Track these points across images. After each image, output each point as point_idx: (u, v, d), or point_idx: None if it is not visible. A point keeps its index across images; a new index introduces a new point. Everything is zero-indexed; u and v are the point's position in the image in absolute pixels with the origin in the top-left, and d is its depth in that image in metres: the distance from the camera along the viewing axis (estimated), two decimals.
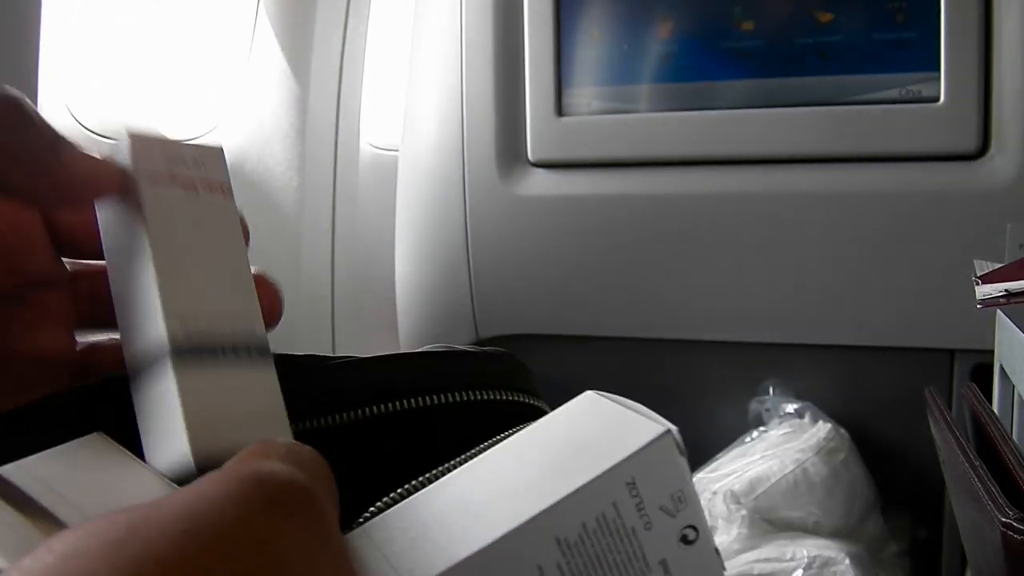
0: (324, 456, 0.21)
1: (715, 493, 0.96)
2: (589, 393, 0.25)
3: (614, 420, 0.23)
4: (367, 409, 0.28)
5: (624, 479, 0.21)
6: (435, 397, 0.30)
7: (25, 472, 0.22)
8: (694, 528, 0.22)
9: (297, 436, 0.26)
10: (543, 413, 0.30)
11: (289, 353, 0.30)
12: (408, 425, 0.29)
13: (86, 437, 0.23)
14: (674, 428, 0.22)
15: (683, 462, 0.22)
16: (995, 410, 0.78)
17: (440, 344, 0.32)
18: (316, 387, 0.29)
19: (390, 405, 0.28)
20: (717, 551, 0.22)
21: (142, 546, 0.16)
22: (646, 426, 0.22)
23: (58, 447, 0.23)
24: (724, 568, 0.22)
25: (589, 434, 0.22)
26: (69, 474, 0.21)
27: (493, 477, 0.22)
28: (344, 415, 0.28)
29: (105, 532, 0.16)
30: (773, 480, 0.94)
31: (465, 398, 0.30)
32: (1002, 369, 0.78)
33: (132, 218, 0.24)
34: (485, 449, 0.25)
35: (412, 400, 0.29)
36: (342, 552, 0.19)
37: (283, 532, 0.18)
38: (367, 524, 0.23)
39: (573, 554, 0.20)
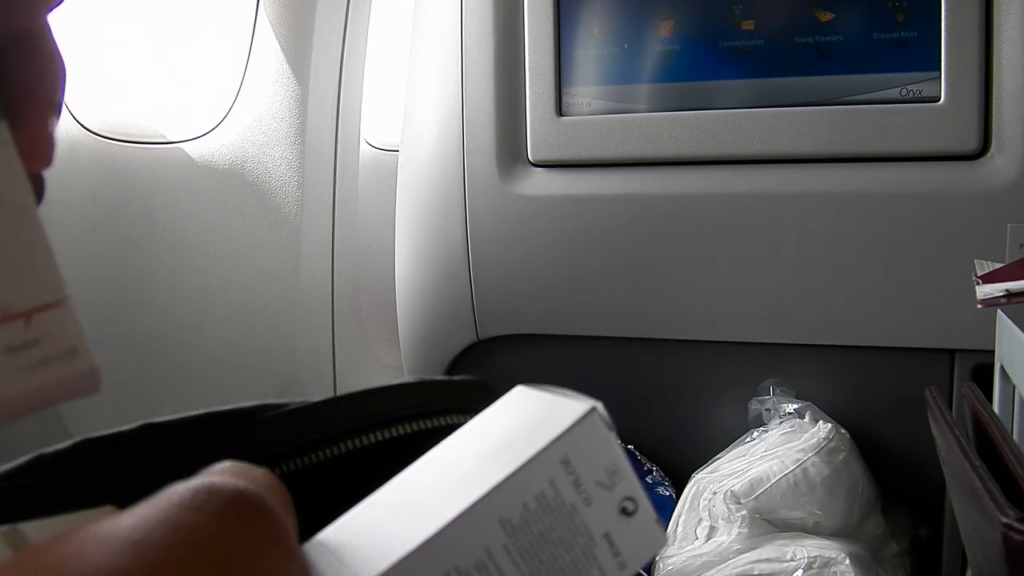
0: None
1: (715, 493, 0.96)
2: (519, 388, 0.26)
3: (544, 407, 0.23)
4: (306, 458, 0.29)
5: (558, 458, 0.22)
6: (375, 435, 0.30)
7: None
8: (632, 500, 0.23)
9: None
10: None
11: (234, 407, 0.30)
12: (349, 466, 0.30)
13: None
14: (599, 405, 0.23)
15: (613, 437, 0.23)
16: (995, 410, 0.78)
17: (413, 376, 0.33)
18: (256, 440, 0.29)
19: (330, 450, 0.29)
20: (658, 521, 0.23)
21: (98, 558, 0.17)
22: (573, 407, 0.23)
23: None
24: (666, 538, 0.23)
25: (522, 423, 0.23)
26: None
27: (436, 473, 0.23)
28: (284, 465, 0.28)
29: (59, 552, 0.17)
30: (773, 480, 0.94)
31: (407, 430, 0.31)
32: (1002, 369, 0.78)
33: None
34: None
35: (349, 442, 0.30)
36: (296, 558, 0.20)
37: (235, 537, 0.18)
38: (320, 534, 0.23)
39: (518, 534, 0.21)
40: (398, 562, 0.20)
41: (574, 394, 0.24)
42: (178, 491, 0.19)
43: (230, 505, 0.19)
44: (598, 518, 0.22)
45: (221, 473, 0.21)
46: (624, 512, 0.22)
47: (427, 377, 0.33)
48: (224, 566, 0.18)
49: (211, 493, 0.19)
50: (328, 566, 0.22)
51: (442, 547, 0.20)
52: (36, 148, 0.27)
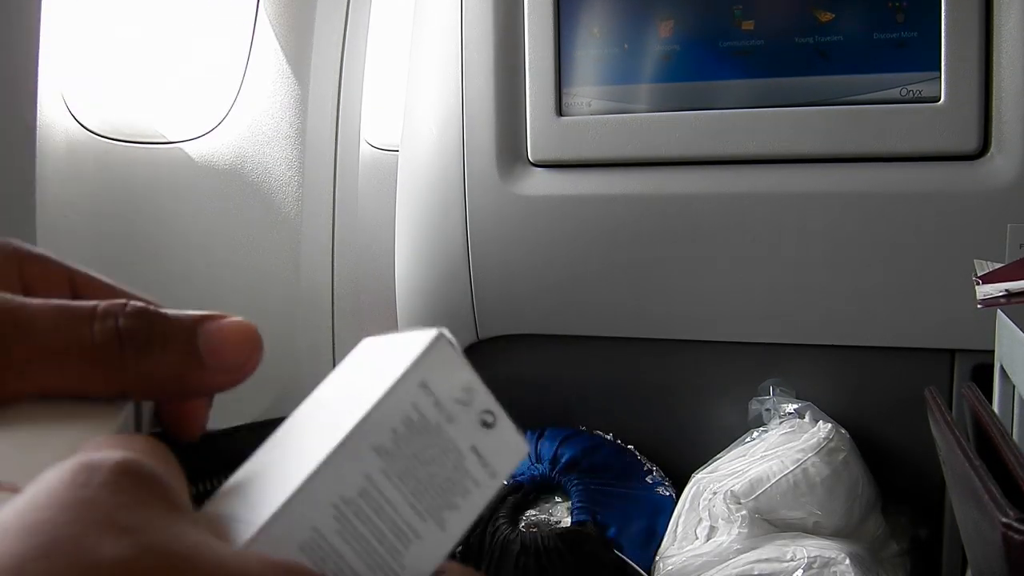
0: None
1: (715, 493, 0.96)
2: (365, 339, 0.28)
3: (394, 345, 0.25)
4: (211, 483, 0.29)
5: (416, 382, 0.23)
6: None
7: None
8: (490, 412, 0.25)
9: None
10: None
11: None
12: None
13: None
14: (444, 330, 0.24)
15: (462, 358, 0.24)
16: (995, 410, 0.78)
17: None
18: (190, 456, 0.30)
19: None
20: (518, 429, 0.25)
21: None
22: (421, 336, 0.24)
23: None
24: (527, 445, 0.25)
25: (378, 362, 0.25)
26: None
27: (311, 419, 0.25)
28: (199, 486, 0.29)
29: None
30: (773, 480, 0.94)
31: None
32: (1002, 369, 0.78)
33: None
34: None
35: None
36: (185, 514, 0.20)
37: (123, 506, 0.19)
38: (212, 499, 0.25)
39: (393, 458, 0.23)
40: (287, 502, 0.22)
41: (419, 330, 0.25)
42: (60, 471, 0.19)
43: (113, 476, 0.19)
44: (462, 433, 0.24)
45: (98, 447, 0.21)
46: (485, 424, 0.25)
47: None
48: (117, 534, 0.18)
49: (92, 469, 0.19)
50: (224, 522, 0.23)
51: (325, 481, 0.22)
52: (186, 423, 0.29)
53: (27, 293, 0.28)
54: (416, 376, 0.23)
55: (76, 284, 0.29)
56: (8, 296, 0.26)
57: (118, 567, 0.17)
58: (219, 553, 0.19)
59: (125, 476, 0.20)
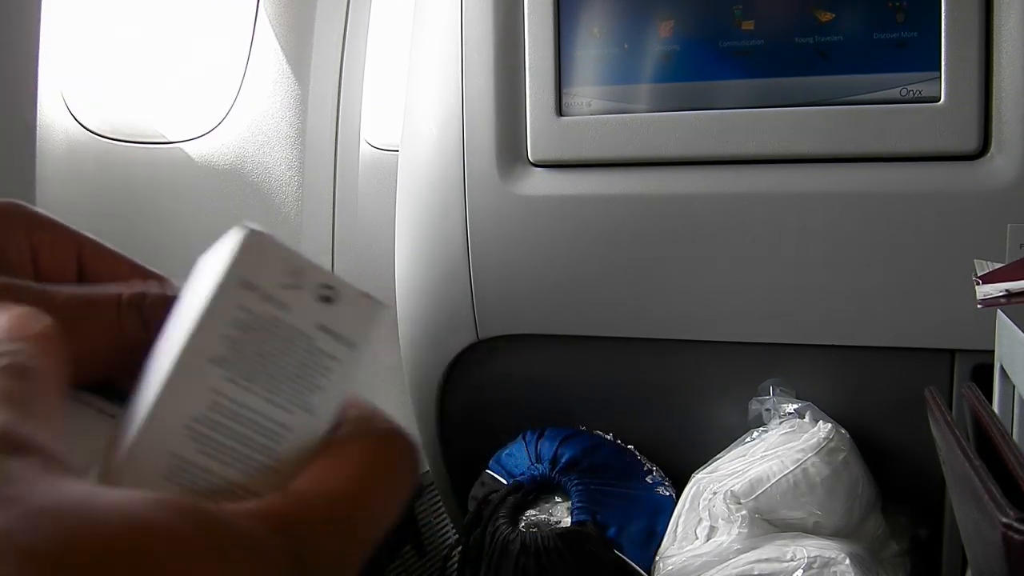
0: None
1: (715, 493, 0.96)
2: (200, 257, 0.27)
3: (216, 253, 0.24)
4: None
5: (235, 284, 0.23)
6: None
7: None
8: (327, 286, 0.24)
9: None
10: None
11: None
12: None
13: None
14: (254, 224, 0.24)
15: (277, 242, 0.24)
16: (995, 410, 0.78)
17: None
18: None
19: None
20: (365, 293, 0.24)
21: None
22: (232, 236, 0.24)
23: None
24: (382, 304, 0.24)
25: (202, 276, 0.24)
26: None
27: (161, 349, 0.24)
28: None
29: None
30: (773, 480, 0.94)
31: None
32: (1002, 369, 0.78)
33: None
34: None
35: None
36: (62, 469, 0.20)
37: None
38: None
39: (235, 364, 0.22)
40: (136, 439, 0.22)
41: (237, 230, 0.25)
42: None
43: None
44: (303, 316, 0.23)
45: None
46: (326, 300, 0.23)
47: None
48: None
49: None
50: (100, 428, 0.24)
51: (168, 408, 0.22)
52: None
53: (35, 258, 0.27)
54: (234, 277, 0.23)
55: (84, 252, 0.29)
56: (29, 284, 0.25)
57: (10, 537, 0.17)
58: (109, 499, 0.19)
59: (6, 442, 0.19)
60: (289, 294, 0.23)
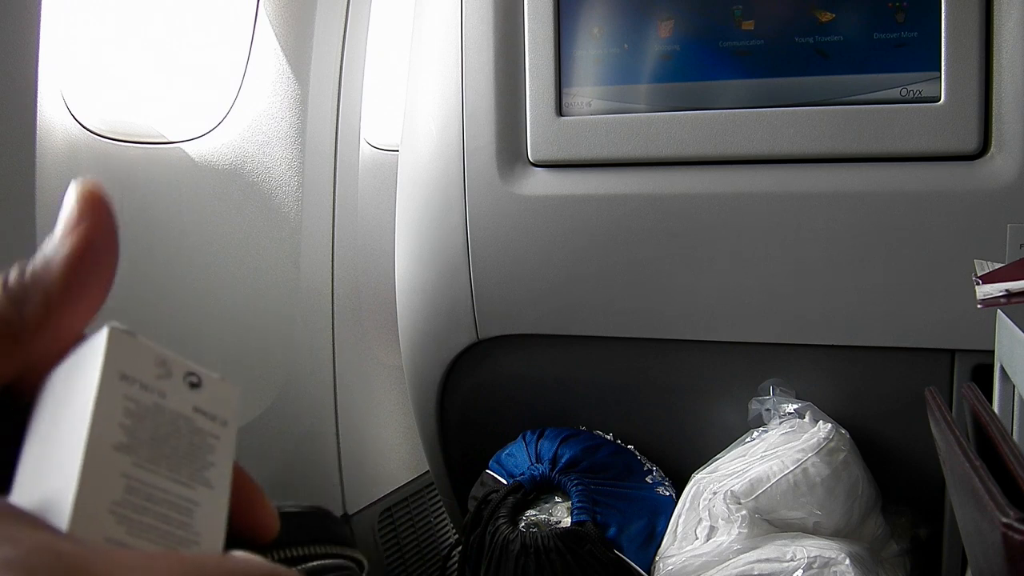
0: None
1: (715, 493, 0.96)
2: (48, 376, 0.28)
3: (74, 362, 0.25)
4: None
5: (116, 376, 0.24)
6: None
7: None
8: (192, 374, 0.26)
9: None
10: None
11: None
12: None
13: None
14: (113, 323, 0.25)
15: (140, 338, 0.25)
16: (995, 410, 0.78)
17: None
18: None
19: None
20: (221, 377, 0.26)
21: None
22: (95, 338, 0.25)
23: None
24: (238, 388, 0.27)
25: (68, 379, 0.25)
26: None
27: (37, 462, 0.25)
28: None
29: None
30: (773, 480, 0.94)
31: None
32: (1002, 369, 0.78)
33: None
34: None
35: None
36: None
37: None
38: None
39: (135, 448, 0.24)
40: (70, 525, 0.22)
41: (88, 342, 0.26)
42: None
43: None
44: (179, 401, 0.25)
45: None
46: (193, 385, 0.26)
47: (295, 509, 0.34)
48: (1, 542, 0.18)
49: None
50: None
51: (90, 494, 0.23)
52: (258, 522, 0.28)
53: None
54: (113, 371, 0.24)
55: None
56: None
57: (10, 564, 0.18)
58: (101, 549, 0.20)
59: None
60: (163, 383, 0.25)
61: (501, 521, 1.03)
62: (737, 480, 0.95)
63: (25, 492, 0.24)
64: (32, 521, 0.21)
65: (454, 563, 1.11)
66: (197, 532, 0.24)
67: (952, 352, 1.00)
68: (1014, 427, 0.76)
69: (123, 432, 0.24)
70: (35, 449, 0.25)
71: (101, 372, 0.24)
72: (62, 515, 0.22)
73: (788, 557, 0.89)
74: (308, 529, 0.36)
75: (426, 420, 1.22)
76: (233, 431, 0.26)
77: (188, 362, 0.26)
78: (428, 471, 1.31)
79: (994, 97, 0.95)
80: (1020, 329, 0.71)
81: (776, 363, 1.08)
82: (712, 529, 0.96)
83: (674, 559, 0.96)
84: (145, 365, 0.25)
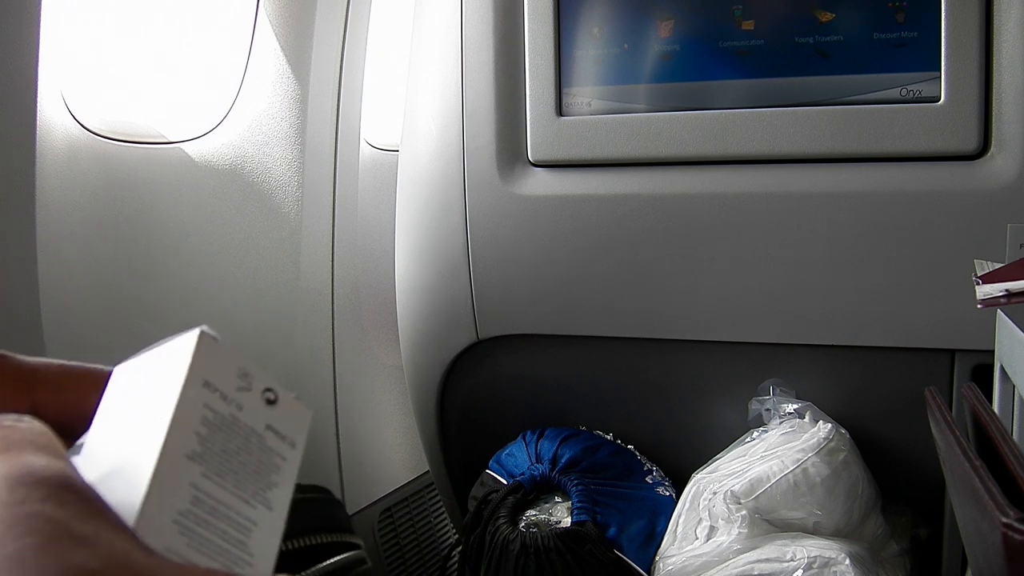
0: None
1: (715, 493, 0.96)
2: (117, 368, 0.28)
3: (156, 360, 0.25)
4: None
5: (198, 382, 0.24)
6: None
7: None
8: (270, 390, 0.25)
9: None
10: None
11: None
12: None
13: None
14: (203, 327, 0.25)
15: (227, 347, 0.25)
16: (995, 410, 0.78)
17: None
18: None
19: None
20: (297, 397, 0.26)
21: None
22: (184, 339, 0.25)
23: None
24: (310, 412, 0.26)
25: (149, 381, 0.25)
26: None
27: (106, 455, 0.24)
28: None
29: None
30: (774, 480, 0.94)
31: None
32: (1002, 369, 0.78)
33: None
34: None
35: None
36: (118, 523, 0.21)
37: (67, 514, 0.19)
38: None
39: (207, 459, 0.23)
40: (135, 530, 0.22)
41: (169, 340, 0.26)
42: None
43: (54, 491, 0.20)
44: (254, 416, 0.25)
45: (12, 451, 0.21)
46: (269, 402, 0.25)
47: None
48: (77, 544, 0.18)
49: (29, 486, 0.19)
50: None
51: (158, 502, 0.22)
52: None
53: None
54: (197, 377, 0.24)
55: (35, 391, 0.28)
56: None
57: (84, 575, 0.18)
58: (171, 566, 0.20)
59: (65, 490, 0.20)
60: (242, 395, 0.25)
61: (501, 521, 1.03)
62: (737, 480, 0.95)
63: (90, 473, 0.23)
64: (110, 519, 0.20)
65: (454, 563, 1.11)
66: (251, 553, 0.24)
67: (952, 352, 1.00)
68: (1014, 427, 0.76)
69: (198, 441, 0.23)
70: (105, 435, 0.25)
71: (185, 377, 0.24)
72: (128, 516, 0.22)
73: (788, 557, 0.89)
74: (312, 518, 0.35)
75: (426, 420, 1.22)
76: (299, 455, 0.26)
77: (269, 377, 0.26)
78: (428, 471, 1.31)
79: (994, 97, 0.95)
80: (1020, 329, 0.71)
81: (776, 363, 1.08)
82: (712, 529, 0.96)
83: (674, 559, 0.96)
84: (228, 375, 0.25)
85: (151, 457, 0.23)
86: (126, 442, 0.24)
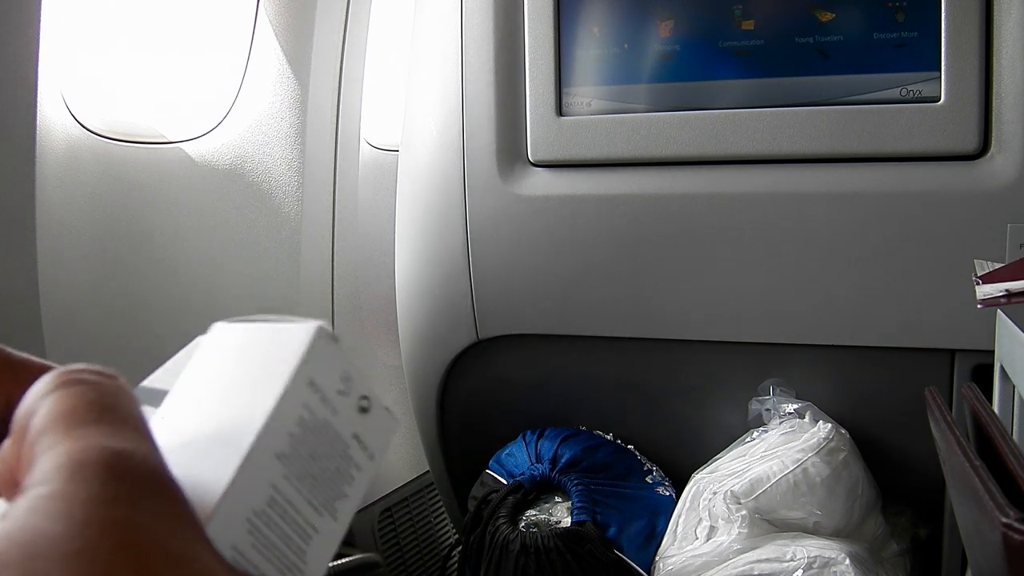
0: None
1: (715, 493, 0.96)
2: (219, 324, 0.27)
3: (268, 338, 0.25)
4: None
5: (305, 382, 0.23)
6: None
7: (163, 373, 0.25)
8: (366, 398, 0.25)
9: None
10: None
11: None
12: None
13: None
14: (321, 322, 0.24)
15: (339, 347, 0.24)
16: (995, 410, 0.78)
17: None
18: None
19: None
20: (387, 408, 0.25)
21: None
22: (300, 330, 0.24)
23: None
24: (398, 422, 0.25)
25: (254, 359, 0.24)
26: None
27: (193, 424, 0.24)
28: None
29: None
30: (773, 480, 0.94)
31: None
32: (1002, 369, 0.78)
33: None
34: None
35: None
36: (186, 514, 0.19)
37: (139, 525, 0.17)
38: None
39: (292, 461, 0.23)
40: (207, 531, 0.21)
41: (283, 318, 0.25)
42: (51, 486, 0.17)
43: (122, 487, 0.18)
44: (345, 423, 0.24)
45: (79, 410, 0.19)
46: (363, 410, 0.24)
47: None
48: (165, 564, 0.17)
49: (90, 480, 0.18)
50: None
51: (238, 499, 0.21)
52: None
53: None
54: (305, 376, 0.23)
55: None
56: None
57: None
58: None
59: (159, 494, 0.18)
60: (340, 399, 0.24)
61: (501, 521, 1.03)
62: (737, 480, 0.95)
63: (169, 444, 0.22)
64: (198, 530, 0.19)
65: (454, 563, 1.11)
66: (306, 562, 0.23)
67: (952, 352, 1.00)
68: (1014, 427, 0.76)
69: (289, 441, 0.23)
70: (191, 405, 0.24)
71: (293, 374, 0.23)
72: (203, 506, 0.21)
73: (788, 557, 0.89)
74: None
75: (426, 420, 1.22)
76: (376, 468, 0.25)
77: (367, 383, 0.25)
78: (428, 471, 1.31)
79: (994, 97, 0.95)
80: (1020, 329, 0.71)
81: (776, 363, 1.08)
82: (712, 529, 0.96)
83: (674, 559, 0.96)
84: (333, 377, 0.24)
85: (239, 451, 0.22)
86: (214, 424, 0.23)
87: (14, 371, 0.24)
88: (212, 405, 0.24)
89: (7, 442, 0.20)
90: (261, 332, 0.25)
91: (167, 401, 0.25)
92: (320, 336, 0.24)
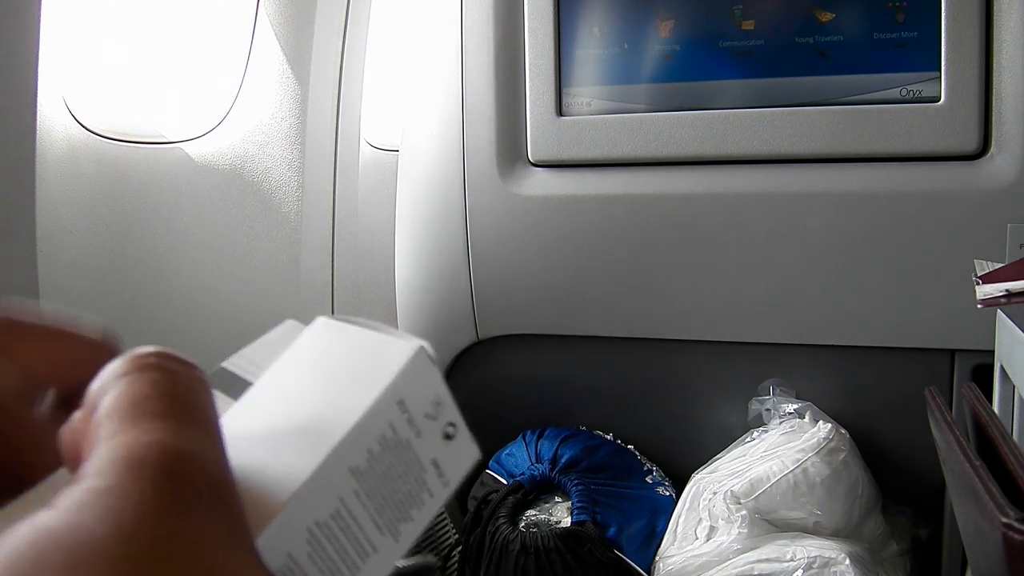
0: None
1: (715, 493, 0.96)
2: (323, 320, 0.26)
3: (367, 345, 0.24)
4: None
5: (394, 400, 0.23)
6: None
7: (241, 359, 0.25)
8: (453, 425, 0.24)
9: None
10: None
11: None
12: None
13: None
14: (424, 342, 0.24)
15: (436, 370, 0.24)
16: (995, 410, 0.78)
17: None
18: None
19: None
20: (472, 438, 0.25)
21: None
22: (400, 347, 0.23)
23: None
24: (479, 452, 0.25)
25: (348, 366, 0.24)
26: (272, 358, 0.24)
27: (278, 413, 0.23)
28: None
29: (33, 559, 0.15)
30: (773, 480, 0.94)
31: None
32: (1002, 369, 0.78)
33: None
34: None
35: None
36: (238, 522, 0.18)
37: (187, 539, 0.17)
38: None
39: (365, 478, 0.22)
40: (265, 535, 0.20)
41: (389, 329, 0.24)
42: (128, 471, 0.17)
43: (214, 502, 0.17)
44: (427, 447, 0.23)
45: (147, 404, 0.18)
46: (447, 437, 0.24)
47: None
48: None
49: (163, 472, 0.17)
50: None
51: (302, 509, 0.21)
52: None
53: None
54: (394, 394, 0.23)
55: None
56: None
57: None
58: None
59: (226, 505, 0.18)
60: (426, 423, 0.23)
61: (501, 521, 1.03)
62: (737, 480, 0.95)
63: (238, 434, 0.21)
64: (254, 552, 0.18)
65: (454, 563, 1.11)
66: None
67: (952, 352, 1.00)
68: (1014, 427, 0.76)
69: (366, 458, 0.22)
70: (272, 399, 0.23)
71: (383, 391, 0.22)
72: (266, 510, 0.20)
73: (788, 557, 0.89)
74: None
75: None
76: (447, 496, 0.24)
77: (455, 411, 0.24)
78: None
79: (994, 97, 0.95)
80: (1020, 329, 0.71)
81: (776, 363, 1.08)
82: (712, 529, 0.96)
83: (674, 559, 0.96)
84: (424, 400, 0.23)
85: (314, 460, 0.21)
86: (295, 423, 0.22)
87: (73, 342, 0.23)
88: (297, 403, 0.23)
89: (79, 413, 0.20)
90: (362, 338, 0.24)
91: (254, 387, 0.24)
92: (419, 356, 0.23)
